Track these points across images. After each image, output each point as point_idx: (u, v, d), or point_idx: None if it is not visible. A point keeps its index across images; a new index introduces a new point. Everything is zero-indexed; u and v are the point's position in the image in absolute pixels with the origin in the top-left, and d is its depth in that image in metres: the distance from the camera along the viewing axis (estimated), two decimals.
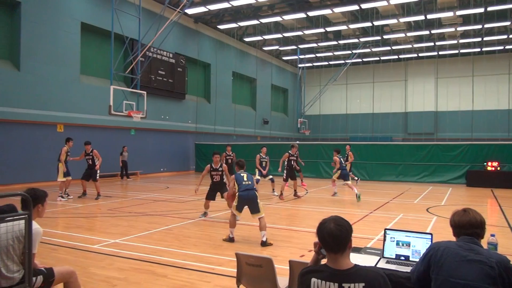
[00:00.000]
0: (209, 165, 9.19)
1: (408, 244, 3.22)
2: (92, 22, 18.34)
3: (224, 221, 8.66)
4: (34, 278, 3.29)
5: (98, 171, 12.62)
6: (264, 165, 13.60)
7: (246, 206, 7.04)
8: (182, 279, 4.96)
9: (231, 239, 6.92)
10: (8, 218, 3.16)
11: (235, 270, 3.76)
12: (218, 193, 9.24)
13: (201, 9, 21.50)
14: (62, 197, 11.94)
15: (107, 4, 17.82)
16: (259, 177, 13.42)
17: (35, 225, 3.24)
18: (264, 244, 6.67)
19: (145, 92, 17.56)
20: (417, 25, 25.66)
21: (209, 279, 4.98)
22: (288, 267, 3.38)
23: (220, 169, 9.13)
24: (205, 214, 9.31)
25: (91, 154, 12.55)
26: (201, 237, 7.17)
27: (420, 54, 32.26)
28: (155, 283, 4.83)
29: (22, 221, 3.12)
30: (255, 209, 6.93)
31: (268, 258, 3.43)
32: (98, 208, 10.60)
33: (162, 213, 9.86)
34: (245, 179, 7.18)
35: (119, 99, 16.28)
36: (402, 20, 23.17)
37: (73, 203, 11.52)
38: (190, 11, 21.51)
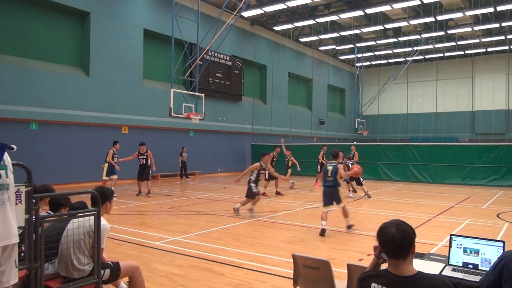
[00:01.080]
0: (258, 163, 9.87)
1: (477, 252, 3.00)
2: (153, 29, 19.22)
3: (281, 222, 8.66)
4: (102, 271, 3.49)
5: (151, 171, 13.21)
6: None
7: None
8: (239, 278, 5.03)
9: (322, 231, 7.40)
10: (79, 214, 3.41)
11: (291, 271, 3.74)
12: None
13: (257, 12, 21.73)
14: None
15: (167, 10, 18.58)
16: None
17: (103, 221, 3.45)
18: (349, 228, 7.74)
19: (203, 95, 18.09)
20: (485, 18, 23.98)
21: (265, 279, 5.01)
22: (346, 271, 3.31)
23: (266, 168, 10.07)
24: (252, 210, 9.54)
25: (145, 154, 13.15)
26: (258, 237, 7.22)
27: (489, 49, 30.09)
28: (213, 280, 4.94)
29: (92, 217, 3.35)
30: (337, 201, 7.64)
31: (325, 261, 3.38)
32: (159, 207, 11.06)
33: (219, 213, 10.07)
34: (328, 174, 7.72)
35: (178, 101, 16.90)
36: (469, 13, 21.77)
37: (137, 201, 12.11)
38: (246, 13, 21.80)
